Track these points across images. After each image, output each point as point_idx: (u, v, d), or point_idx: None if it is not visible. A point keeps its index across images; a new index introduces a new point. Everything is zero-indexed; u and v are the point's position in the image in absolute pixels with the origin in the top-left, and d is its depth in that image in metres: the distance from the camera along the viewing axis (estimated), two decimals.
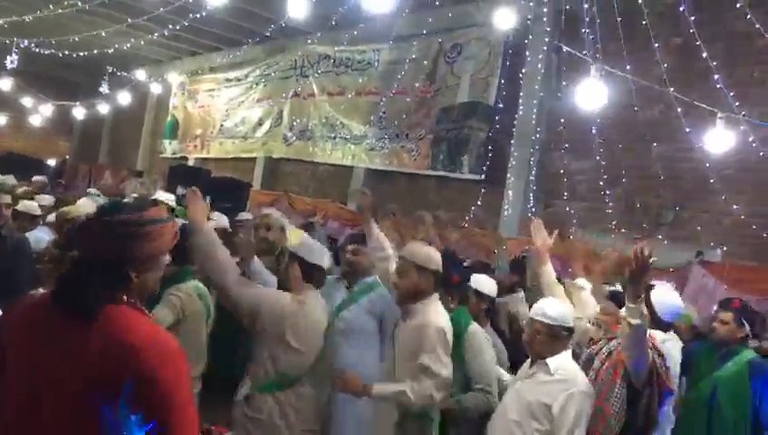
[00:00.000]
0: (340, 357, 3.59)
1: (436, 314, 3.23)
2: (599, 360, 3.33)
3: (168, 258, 1.87)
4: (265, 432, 3.10)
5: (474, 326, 3.70)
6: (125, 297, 1.72)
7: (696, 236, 6.61)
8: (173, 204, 5.21)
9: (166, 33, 11.04)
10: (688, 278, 6.06)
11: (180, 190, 10.20)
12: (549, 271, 3.98)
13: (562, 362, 3.15)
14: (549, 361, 3.12)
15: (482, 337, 3.68)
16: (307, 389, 3.20)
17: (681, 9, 5.76)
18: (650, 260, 2.98)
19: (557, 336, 3.15)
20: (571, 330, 3.19)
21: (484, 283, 4.18)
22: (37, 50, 12.06)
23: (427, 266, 3.25)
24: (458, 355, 3.43)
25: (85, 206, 4.90)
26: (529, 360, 3.32)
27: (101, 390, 1.58)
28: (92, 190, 8.60)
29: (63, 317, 1.66)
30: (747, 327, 3.93)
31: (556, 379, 3.08)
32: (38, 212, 5.71)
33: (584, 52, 6.29)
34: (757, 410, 3.72)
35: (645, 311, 3.07)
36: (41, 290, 4.31)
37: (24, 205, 5.60)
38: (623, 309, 3.15)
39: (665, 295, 3.78)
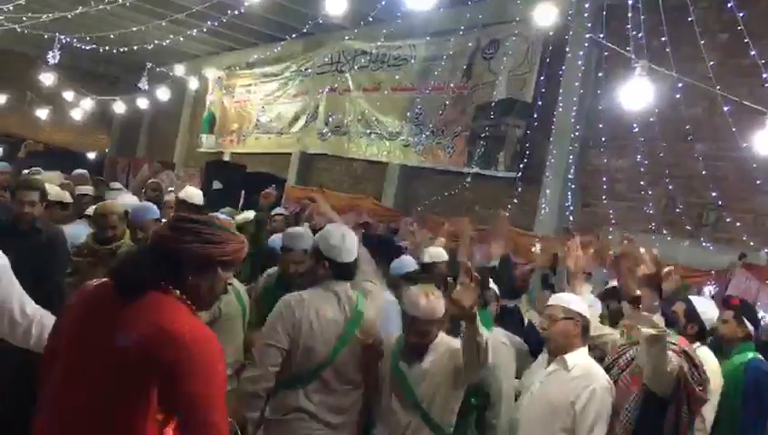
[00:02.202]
0: None
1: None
2: (617, 367, 3.23)
3: (228, 277, 1.90)
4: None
5: (494, 332, 3.55)
6: (177, 292, 1.76)
7: (739, 237, 6.44)
8: (198, 201, 5.19)
9: (204, 30, 11.15)
10: (731, 281, 5.92)
11: (216, 185, 10.33)
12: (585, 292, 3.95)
13: (580, 358, 3.12)
14: (567, 357, 3.10)
15: (498, 345, 3.48)
16: None
17: (729, 5, 5.59)
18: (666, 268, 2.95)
19: (571, 322, 3.13)
20: (587, 322, 3.18)
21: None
22: (79, 45, 12.29)
23: None
24: None
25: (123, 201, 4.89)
26: (542, 358, 3.32)
27: (139, 374, 1.62)
28: (116, 184, 8.66)
29: (113, 300, 1.72)
30: (749, 325, 3.84)
31: (576, 375, 3.05)
32: (69, 200, 5.66)
33: (626, 48, 6.17)
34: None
35: (657, 319, 3.02)
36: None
37: (54, 193, 5.59)
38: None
39: (705, 305, 3.79)
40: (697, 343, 3.58)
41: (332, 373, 2.93)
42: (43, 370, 1.90)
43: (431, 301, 2.89)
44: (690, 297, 3.95)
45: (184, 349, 1.63)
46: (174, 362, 1.61)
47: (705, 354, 3.51)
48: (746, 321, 3.84)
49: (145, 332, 1.64)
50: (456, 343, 2.88)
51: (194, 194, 5.20)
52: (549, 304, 3.24)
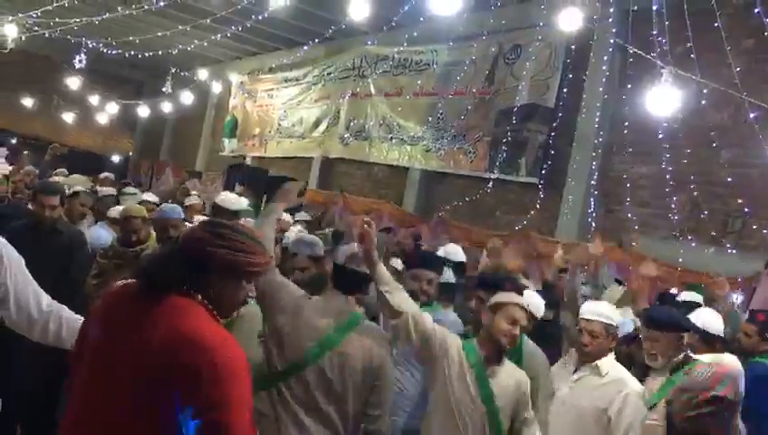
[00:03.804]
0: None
1: None
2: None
3: (250, 287, 1.92)
4: None
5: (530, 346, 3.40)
6: (199, 296, 1.76)
7: (764, 245, 6.35)
8: (235, 207, 5.20)
9: (228, 34, 11.25)
10: (756, 289, 5.84)
11: (238, 188, 10.40)
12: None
13: (611, 364, 3.15)
14: (599, 363, 3.12)
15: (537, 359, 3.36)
16: None
17: (756, 11, 5.52)
18: None
19: (611, 335, 3.18)
20: (617, 329, 3.23)
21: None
22: (104, 50, 12.46)
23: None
24: None
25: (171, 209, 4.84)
26: (565, 362, 3.32)
27: (159, 377, 1.62)
28: (130, 189, 8.73)
29: (136, 302, 1.73)
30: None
31: (607, 381, 3.07)
32: (81, 188, 5.67)
33: (651, 53, 6.12)
34: None
35: None
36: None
37: (71, 185, 5.64)
38: None
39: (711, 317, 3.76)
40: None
41: (315, 383, 2.71)
42: (70, 372, 1.92)
43: None
44: (696, 311, 3.90)
45: (206, 354, 1.62)
46: (196, 368, 1.61)
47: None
48: None
49: (167, 336, 1.65)
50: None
51: (230, 199, 5.21)
52: (588, 317, 3.20)
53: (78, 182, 6.85)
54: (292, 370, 2.71)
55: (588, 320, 3.20)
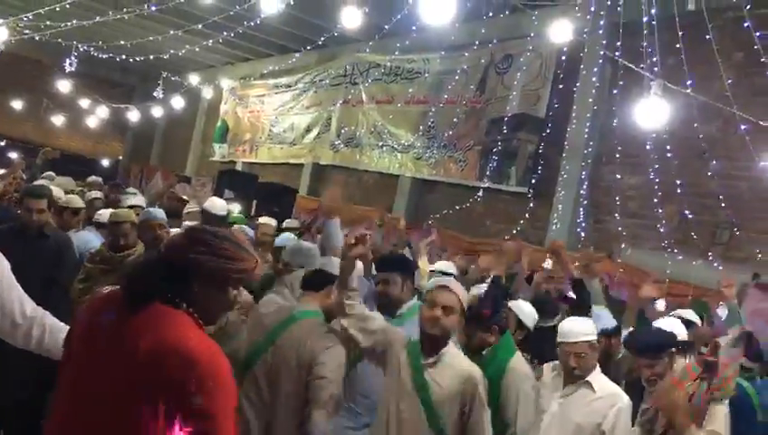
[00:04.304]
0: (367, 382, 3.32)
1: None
2: None
3: (237, 295, 1.88)
4: None
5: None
6: (184, 305, 1.74)
7: (752, 257, 6.38)
8: (222, 212, 5.19)
9: (220, 40, 11.24)
10: (744, 302, 5.86)
11: (228, 194, 10.37)
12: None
13: (601, 379, 3.17)
14: (590, 379, 3.13)
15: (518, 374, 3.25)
16: None
17: (746, 24, 5.57)
18: None
19: (596, 350, 3.22)
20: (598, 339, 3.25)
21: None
22: (95, 54, 12.41)
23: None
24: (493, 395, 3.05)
25: (159, 211, 4.81)
26: (550, 376, 3.30)
27: (145, 388, 1.61)
28: (131, 189, 8.68)
29: (121, 311, 1.71)
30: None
31: (600, 395, 3.08)
32: (81, 204, 5.65)
33: (641, 65, 6.16)
34: None
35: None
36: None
37: (66, 199, 5.57)
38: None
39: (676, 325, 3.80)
40: None
41: (263, 378, 2.89)
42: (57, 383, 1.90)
43: None
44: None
45: (190, 364, 1.61)
46: (182, 380, 1.59)
47: None
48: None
49: (153, 348, 1.62)
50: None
51: (217, 205, 5.18)
52: (572, 340, 3.17)
53: (64, 185, 6.80)
54: (246, 366, 2.90)
55: (572, 343, 3.18)
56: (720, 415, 2.86)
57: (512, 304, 3.88)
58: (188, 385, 1.60)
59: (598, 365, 3.21)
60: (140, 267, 1.81)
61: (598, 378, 3.15)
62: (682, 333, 3.76)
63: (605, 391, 3.10)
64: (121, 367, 1.63)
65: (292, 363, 2.83)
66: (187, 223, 5.44)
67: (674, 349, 3.19)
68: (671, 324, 3.80)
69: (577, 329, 3.21)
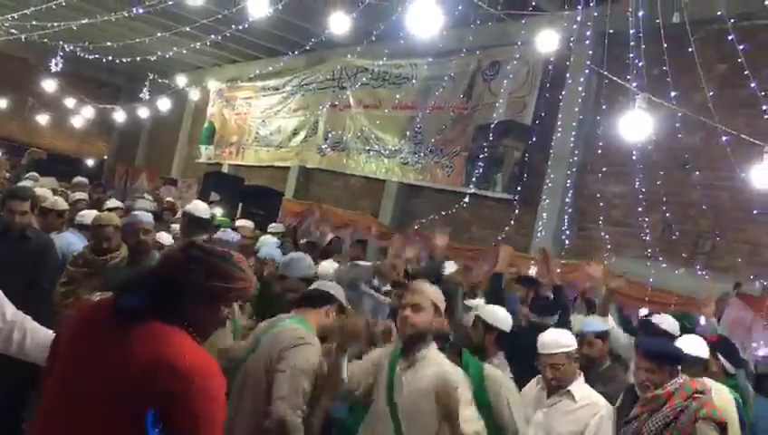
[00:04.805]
0: None
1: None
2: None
3: (230, 312, 1.90)
4: None
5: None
6: (178, 319, 1.74)
7: (734, 267, 6.46)
8: (205, 215, 5.16)
9: (208, 43, 11.20)
10: (725, 311, 5.92)
11: (214, 196, 10.35)
12: None
13: (583, 388, 3.21)
14: (571, 389, 3.17)
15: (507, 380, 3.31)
16: None
17: (730, 37, 5.64)
18: None
19: (572, 360, 3.24)
20: (577, 350, 3.27)
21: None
22: (82, 54, 12.33)
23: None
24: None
25: (144, 215, 4.77)
26: (534, 386, 3.33)
27: (136, 399, 1.60)
28: (148, 196, 8.65)
29: (112, 324, 1.70)
30: (724, 361, 3.90)
31: (582, 405, 3.12)
32: (65, 207, 5.62)
33: (627, 76, 6.22)
34: None
35: None
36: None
37: (50, 202, 5.53)
38: None
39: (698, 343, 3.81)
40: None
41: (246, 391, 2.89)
42: (42, 389, 1.88)
43: None
44: (681, 339, 3.93)
45: (184, 379, 1.61)
46: (173, 393, 1.60)
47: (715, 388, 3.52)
48: (722, 357, 3.87)
49: (145, 361, 1.62)
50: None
51: (200, 208, 5.16)
52: (549, 351, 3.21)
53: (47, 186, 6.74)
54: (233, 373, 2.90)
55: (550, 354, 3.21)
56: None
57: (480, 309, 3.92)
58: (182, 399, 1.60)
59: (581, 374, 3.24)
60: (136, 284, 1.78)
61: (579, 387, 3.19)
62: (703, 354, 3.77)
63: (586, 399, 3.14)
64: (114, 379, 1.63)
65: (260, 364, 2.86)
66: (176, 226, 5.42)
67: (680, 366, 3.20)
68: (695, 343, 3.80)
69: (555, 341, 3.24)
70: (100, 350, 1.69)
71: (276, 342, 2.87)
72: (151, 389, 1.60)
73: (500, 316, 3.79)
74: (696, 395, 3.05)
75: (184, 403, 1.60)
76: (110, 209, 6.00)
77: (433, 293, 2.87)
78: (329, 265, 5.11)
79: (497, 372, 3.20)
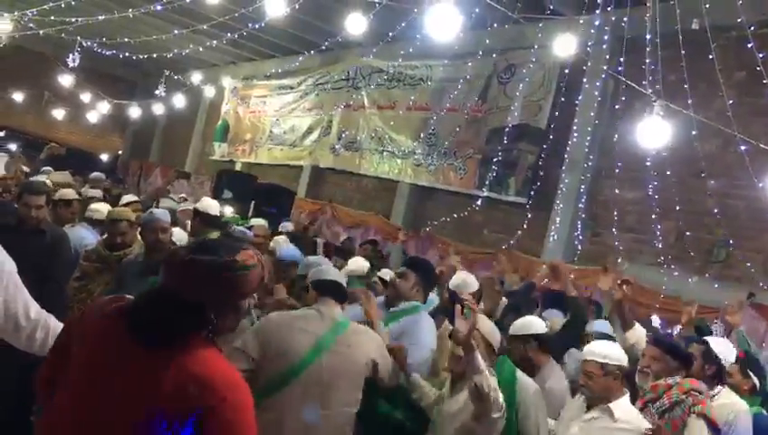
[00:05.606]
0: None
1: None
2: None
3: (250, 301, 1.85)
4: None
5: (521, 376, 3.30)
6: (203, 333, 1.72)
7: (748, 276, 6.40)
8: (214, 212, 5.15)
9: (224, 41, 11.24)
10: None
11: (227, 194, 10.37)
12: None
13: (625, 408, 3.07)
14: (612, 406, 3.04)
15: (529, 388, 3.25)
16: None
17: (749, 45, 5.59)
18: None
19: (611, 375, 3.08)
20: (623, 368, 3.12)
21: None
22: (99, 50, 12.41)
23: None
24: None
25: (163, 213, 4.77)
26: (579, 400, 3.25)
27: (166, 419, 1.58)
28: (174, 197, 8.65)
29: (134, 341, 1.66)
30: (754, 378, 3.84)
31: (620, 426, 3.00)
32: (73, 196, 5.64)
33: (643, 81, 6.18)
34: None
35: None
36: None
37: (59, 193, 5.56)
38: None
39: (723, 346, 3.77)
40: (718, 387, 3.54)
41: (314, 385, 2.88)
42: (41, 383, 1.87)
43: None
44: (708, 338, 3.90)
45: (217, 395, 1.60)
46: (207, 409, 1.59)
47: (730, 397, 3.50)
48: (751, 374, 3.82)
49: (179, 379, 1.60)
50: None
51: (211, 205, 5.17)
52: (585, 358, 3.18)
53: (60, 179, 6.76)
54: (289, 374, 2.88)
55: (584, 360, 3.18)
56: (696, 430, 3.02)
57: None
58: (214, 416, 1.59)
59: (626, 394, 3.11)
60: (154, 313, 1.71)
61: (621, 406, 3.05)
62: (729, 359, 3.73)
63: (626, 421, 3.01)
64: (141, 397, 1.60)
65: (354, 363, 2.99)
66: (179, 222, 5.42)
67: (684, 367, 3.21)
68: (725, 345, 3.79)
69: (591, 349, 3.19)
70: (125, 372, 1.65)
71: (361, 345, 3.05)
72: (186, 406, 1.58)
73: (524, 323, 3.82)
74: (693, 392, 3.13)
75: (218, 419, 1.60)
76: (126, 204, 6.02)
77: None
78: (362, 263, 5.10)
79: (529, 380, 3.23)
